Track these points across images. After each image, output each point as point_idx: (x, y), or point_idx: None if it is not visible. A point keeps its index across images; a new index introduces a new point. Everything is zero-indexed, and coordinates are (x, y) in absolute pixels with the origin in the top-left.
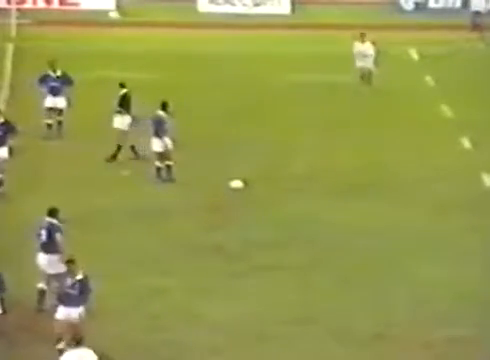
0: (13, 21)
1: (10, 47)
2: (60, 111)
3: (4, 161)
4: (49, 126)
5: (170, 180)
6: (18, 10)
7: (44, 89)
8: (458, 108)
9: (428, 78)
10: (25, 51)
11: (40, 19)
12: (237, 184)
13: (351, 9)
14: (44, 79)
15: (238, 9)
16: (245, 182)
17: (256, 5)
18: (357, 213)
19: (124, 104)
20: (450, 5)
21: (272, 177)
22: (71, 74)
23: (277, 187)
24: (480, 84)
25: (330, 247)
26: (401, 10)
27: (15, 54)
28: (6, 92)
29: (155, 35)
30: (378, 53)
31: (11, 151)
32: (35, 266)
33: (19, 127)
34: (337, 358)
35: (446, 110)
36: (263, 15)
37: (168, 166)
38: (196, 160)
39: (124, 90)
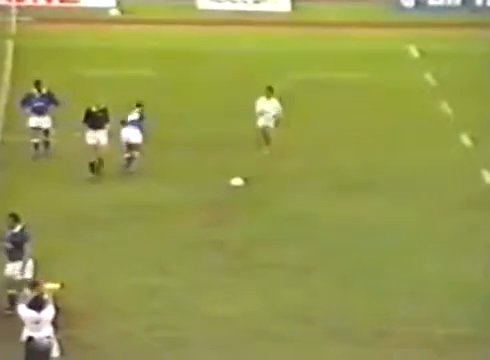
0: (13, 18)
1: (10, 44)
2: (46, 131)
3: None
4: (36, 145)
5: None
6: (18, 7)
7: (27, 110)
8: (458, 105)
9: (428, 75)
10: (25, 49)
11: (40, 16)
12: (237, 182)
13: (351, 6)
14: (28, 99)
15: (238, 6)
16: (245, 180)
17: (256, 2)
18: (357, 211)
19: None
20: (450, 2)
21: (272, 175)
22: (57, 94)
23: (277, 185)
24: (480, 81)
25: (330, 245)
26: (401, 7)
27: (15, 52)
28: (6, 89)
29: (155, 32)
30: (282, 110)
31: None
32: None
33: None
34: (337, 356)
35: (446, 107)
36: (263, 12)
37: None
38: (196, 158)
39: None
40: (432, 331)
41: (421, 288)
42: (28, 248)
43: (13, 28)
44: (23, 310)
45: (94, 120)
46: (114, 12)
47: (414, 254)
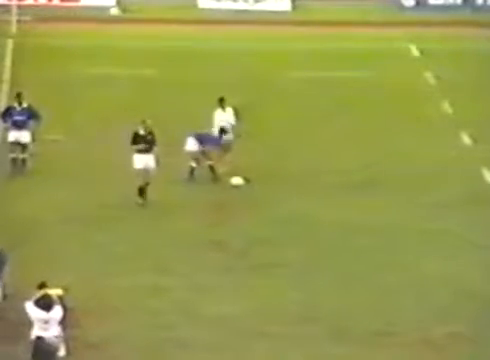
0: (13, 17)
1: (10, 43)
2: (24, 147)
3: None
4: (14, 161)
5: (215, 179)
6: (19, 7)
7: (8, 123)
8: (458, 104)
9: (428, 74)
10: (25, 48)
11: (41, 15)
12: (238, 181)
13: (351, 6)
14: (8, 112)
15: (239, 5)
16: (246, 179)
17: (257, 1)
18: (357, 210)
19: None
20: (451, 1)
21: (273, 174)
22: (37, 108)
23: (278, 184)
24: (480, 80)
25: (330, 244)
26: (402, 6)
27: (15, 50)
28: (6, 88)
29: (156, 31)
30: (241, 120)
31: None
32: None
33: None
34: (337, 355)
35: (446, 106)
36: (264, 12)
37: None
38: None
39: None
40: (432, 330)
41: (421, 287)
42: (6, 270)
43: (13, 27)
44: (31, 309)
45: (142, 144)
46: (114, 11)
47: (414, 252)
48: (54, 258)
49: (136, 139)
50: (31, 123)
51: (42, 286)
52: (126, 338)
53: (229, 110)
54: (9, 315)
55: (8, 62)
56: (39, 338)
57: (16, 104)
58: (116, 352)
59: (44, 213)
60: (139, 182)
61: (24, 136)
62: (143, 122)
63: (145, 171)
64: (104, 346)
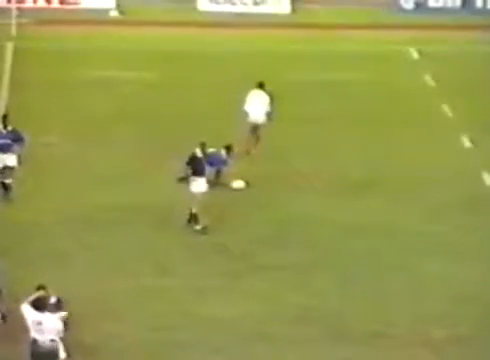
0: (13, 20)
1: (10, 46)
2: (10, 170)
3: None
4: (3, 185)
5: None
6: (18, 9)
7: None
8: (458, 107)
9: (428, 77)
10: (25, 50)
11: (40, 18)
12: (239, 184)
13: (351, 8)
14: None
15: (238, 8)
16: (247, 182)
17: (256, 4)
18: (358, 212)
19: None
20: (450, 4)
21: (273, 176)
22: (22, 130)
23: (278, 186)
24: (480, 83)
25: (331, 246)
26: (401, 9)
27: (15, 53)
28: (6, 91)
29: (155, 34)
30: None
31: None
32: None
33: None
34: (336, 356)
35: (446, 109)
36: (263, 14)
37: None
38: None
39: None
40: (431, 332)
41: (421, 289)
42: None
43: (13, 30)
44: (26, 310)
45: (198, 166)
46: (114, 14)
47: (414, 255)
48: (53, 260)
49: (192, 161)
50: (16, 146)
51: (40, 288)
52: (126, 339)
53: (265, 95)
54: (9, 316)
55: (8, 65)
56: (34, 341)
57: (1, 127)
58: (116, 353)
59: (43, 215)
60: (190, 205)
61: (10, 160)
62: (202, 144)
63: (196, 195)
64: (104, 347)
